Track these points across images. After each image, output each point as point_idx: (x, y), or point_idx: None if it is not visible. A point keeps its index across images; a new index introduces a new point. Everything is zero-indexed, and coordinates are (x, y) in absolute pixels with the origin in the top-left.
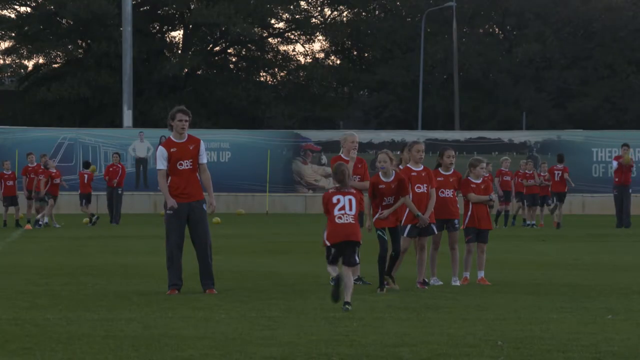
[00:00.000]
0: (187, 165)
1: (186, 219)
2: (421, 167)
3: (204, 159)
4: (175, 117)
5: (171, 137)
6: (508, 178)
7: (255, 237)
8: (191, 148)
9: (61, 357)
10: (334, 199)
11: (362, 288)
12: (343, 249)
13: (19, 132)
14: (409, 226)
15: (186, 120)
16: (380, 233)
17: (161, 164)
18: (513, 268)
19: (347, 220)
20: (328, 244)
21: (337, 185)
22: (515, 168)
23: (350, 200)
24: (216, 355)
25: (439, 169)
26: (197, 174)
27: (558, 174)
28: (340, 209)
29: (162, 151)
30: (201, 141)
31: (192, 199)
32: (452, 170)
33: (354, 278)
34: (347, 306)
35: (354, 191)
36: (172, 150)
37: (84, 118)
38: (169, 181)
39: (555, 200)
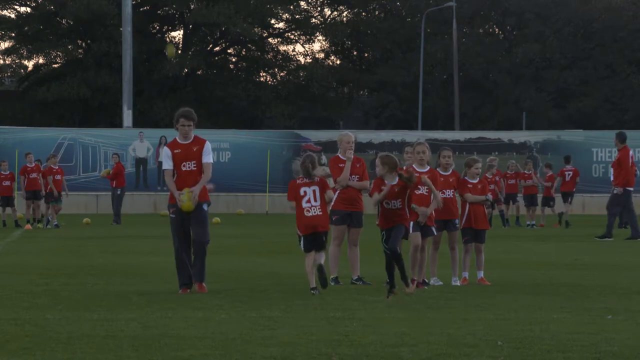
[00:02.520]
0: (190, 167)
1: (189, 219)
2: (425, 169)
3: (207, 158)
4: (178, 121)
5: (176, 138)
6: (497, 178)
7: (255, 237)
8: (195, 150)
9: (61, 357)
10: (301, 191)
11: (363, 288)
12: (313, 238)
13: (19, 132)
14: (411, 222)
15: (189, 125)
16: (385, 248)
17: (167, 164)
18: (513, 268)
19: (315, 212)
20: (300, 234)
21: (303, 176)
22: (504, 169)
23: (314, 191)
24: (216, 355)
25: (438, 169)
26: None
27: (568, 174)
28: (307, 202)
29: (166, 151)
30: (207, 142)
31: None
32: (451, 170)
33: (354, 278)
34: (314, 291)
35: (318, 180)
36: (175, 151)
37: (84, 118)
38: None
39: (557, 201)
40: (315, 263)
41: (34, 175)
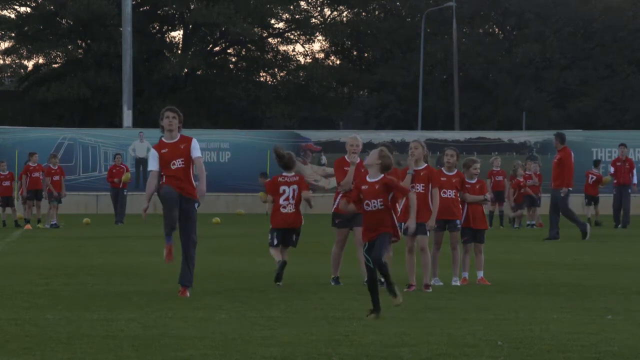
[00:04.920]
0: (179, 164)
1: (179, 204)
2: (420, 167)
3: (196, 152)
4: (163, 116)
5: (162, 138)
6: (500, 178)
7: (255, 237)
8: (182, 147)
9: (61, 357)
10: (281, 189)
11: (363, 289)
12: (284, 233)
13: (19, 132)
14: (402, 224)
15: (174, 117)
16: (366, 260)
17: (152, 165)
18: (513, 268)
19: (289, 210)
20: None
21: (285, 172)
22: (508, 169)
23: (293, 190)
24: (216, 355)
25: (442, 169)
26: (192, 172)
27: (592, 177)
28: (285, 199)
29: (153, 153)
30: (193, 139)
31: (184, 192)
32: (456, 171)
33: (365, 280)
34: (279, 283)
35: (298, 179)
36: (162, 151)
37: (84, 118)
38: (163, 180)
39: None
40: (280, 260)
41: (36, 174)
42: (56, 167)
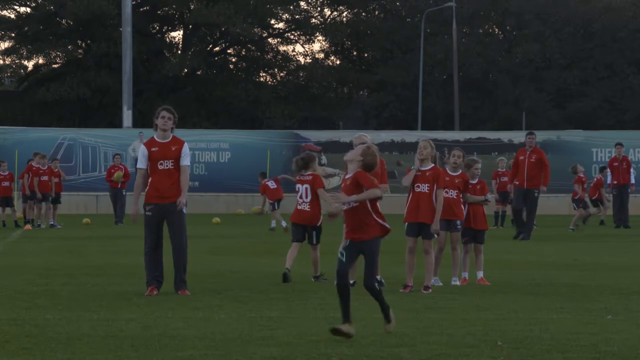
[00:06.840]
0: (167, 166)
1: (163, 219)
2: (427, 167)
3: (185, 160)
4: (159, 115)
5: (154, 136)
6: (506, 179)
7: (255, 237)
8: (173, 149)
9: (61, 357)
10: (296, 187)
11: (363, 289)
12: (303, 229)
13: (19, 132)
14: (406, 224)
15: (169, 118)
16: (340, 255)
17: (141, 163)
18: (513, 268)
19: (304, 207)
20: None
21: (299, 172)
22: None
23: (306, 189)
24: (216, 355)
25: (446, 168)
26: (179, 175)
27: (592, 180)
28: (299, 197)
29: (143, 150)
30: (185, 143)
31: (170, 200)
32: (460, 171)
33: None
34: (323, 278)
35: (311, 178)
36: (152, 149)
37: (84, 118)
38: (149, 181)
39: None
40: (285, 270)
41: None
42: (45, 168)
